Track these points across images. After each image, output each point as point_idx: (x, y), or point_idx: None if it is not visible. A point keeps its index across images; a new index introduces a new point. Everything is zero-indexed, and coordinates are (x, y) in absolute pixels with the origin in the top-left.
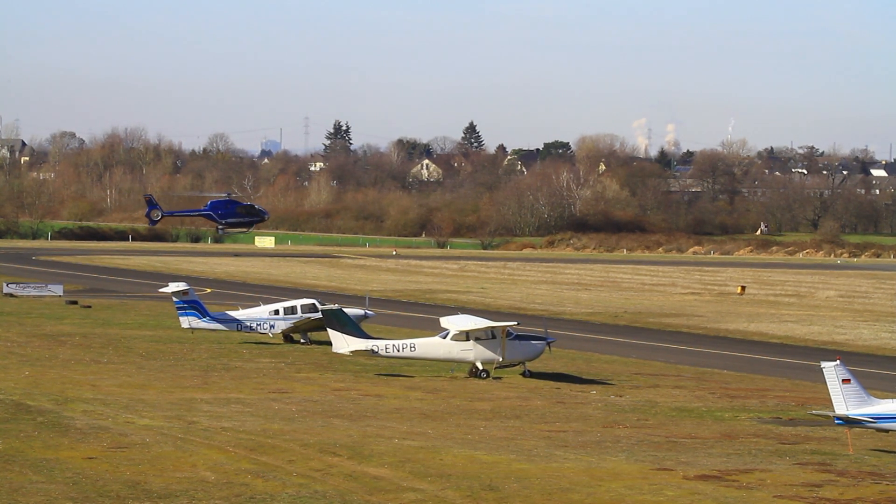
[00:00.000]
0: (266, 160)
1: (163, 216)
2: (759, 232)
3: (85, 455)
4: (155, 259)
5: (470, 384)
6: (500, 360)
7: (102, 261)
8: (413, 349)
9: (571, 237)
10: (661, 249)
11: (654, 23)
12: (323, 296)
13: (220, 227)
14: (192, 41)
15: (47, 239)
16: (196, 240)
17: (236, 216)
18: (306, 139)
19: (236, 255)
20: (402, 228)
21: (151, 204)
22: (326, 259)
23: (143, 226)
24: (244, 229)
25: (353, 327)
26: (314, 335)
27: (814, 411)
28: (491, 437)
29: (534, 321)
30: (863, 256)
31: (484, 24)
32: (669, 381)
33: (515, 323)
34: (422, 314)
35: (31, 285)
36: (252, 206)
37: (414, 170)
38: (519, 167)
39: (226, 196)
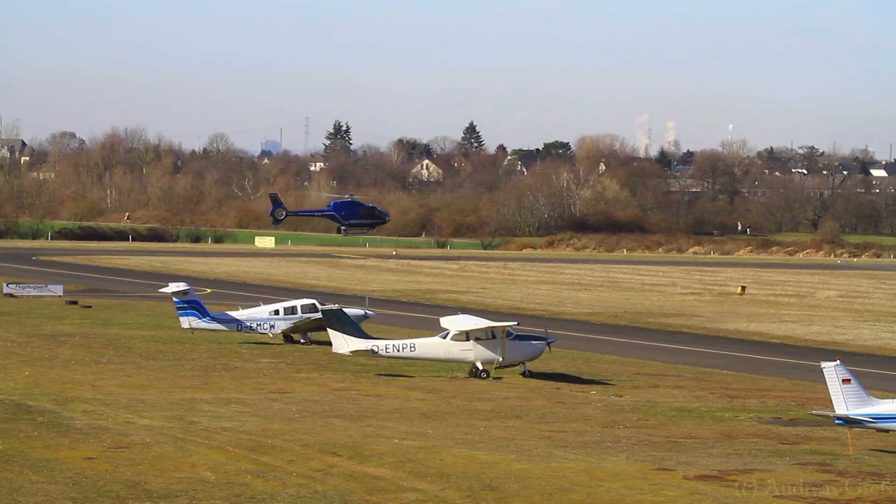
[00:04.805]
0: (266, 160)
1: (287, 215)
2: (745, 231)
3: (85, 455)
4: (155, 259)
5: (470, 384)
6: (500, 360)
7: (102, 261)
8: (413, 349)
9: (571, 237)
10: (661, 249)
11: (654, 23)
12: (323, 296)
13: (342, 228)
14: (193, 41)
15: (47, 239)
16: (196, 240)
17: (359, 217)
18: (306, 139)
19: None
20: (402, 228)
21: (276, 202)
22: (326, 259)
23: (143, 226)
24: (367, 231)
25: (353, 327)
26: (314, 335)
27: (814, 411)
28: (491, 437)
29: (534, 321)
30: (863, 256)
31: (484, 24)
32: (669, 381)
33: (515, 323)
34: (422, 314)
35: (31, 285)
36: (374, 209)
37: (414, 170)
38: (519, 167)
39: (349, 197)
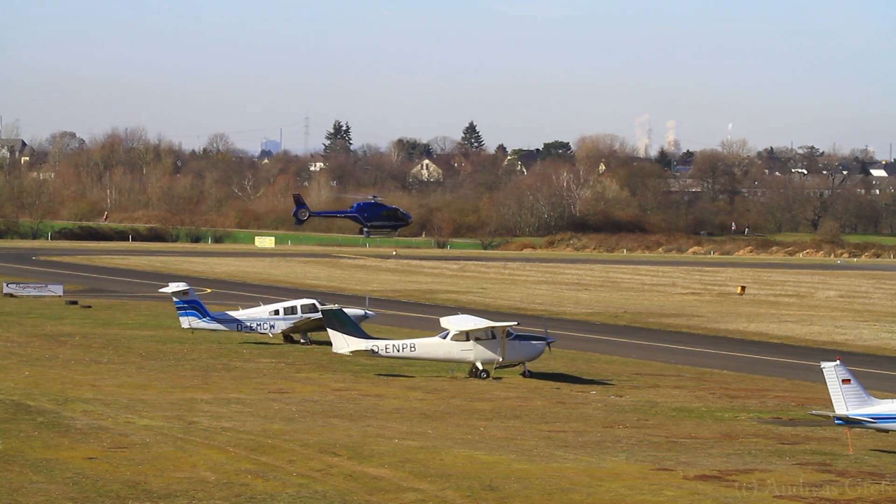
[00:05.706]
0: (266, 160)
1: (310, 216)
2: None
3: (85, 455)
4: (155, 259)
5: (470, 384)
6: (500, 360)
7: (102, 261)
8: (413, 349)
9: (571, 237)
10: (661, 249)
11: (654, 23)
12: (323, 296)
13: (364, 229)
14: (192, 41)
15: (47, 239)
16: (196, 240)
17: (381, 219)
18: (306, 139)
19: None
20: (402, 228)
21: (299, 203)
22: (326, 259)
23: (143, 226)
24: (388, 233)
25: (353, 327)
26: (314, 335)
27: (814, 411)
28: (491, 437)
29: (534, 321)
30: (863, 256)
31: (484, 24)
32: (669, 381)
33: (515, 323)
34: (422, 314)
35: (31, 285)
36: (396, 210)
37: (414, 170)
38: (519, 167)
39: (371, 199)
